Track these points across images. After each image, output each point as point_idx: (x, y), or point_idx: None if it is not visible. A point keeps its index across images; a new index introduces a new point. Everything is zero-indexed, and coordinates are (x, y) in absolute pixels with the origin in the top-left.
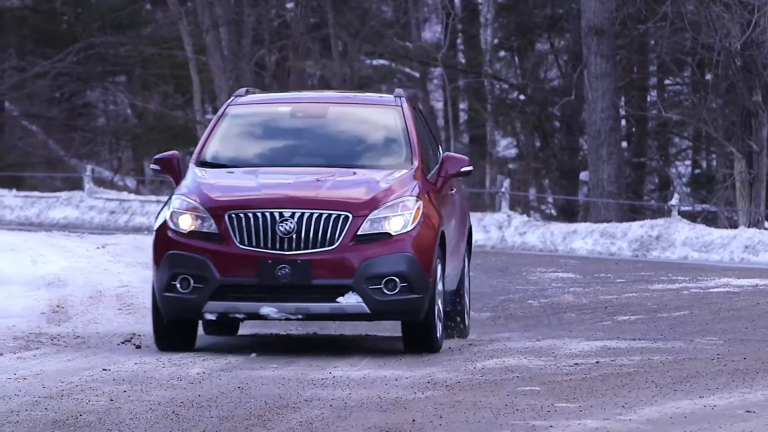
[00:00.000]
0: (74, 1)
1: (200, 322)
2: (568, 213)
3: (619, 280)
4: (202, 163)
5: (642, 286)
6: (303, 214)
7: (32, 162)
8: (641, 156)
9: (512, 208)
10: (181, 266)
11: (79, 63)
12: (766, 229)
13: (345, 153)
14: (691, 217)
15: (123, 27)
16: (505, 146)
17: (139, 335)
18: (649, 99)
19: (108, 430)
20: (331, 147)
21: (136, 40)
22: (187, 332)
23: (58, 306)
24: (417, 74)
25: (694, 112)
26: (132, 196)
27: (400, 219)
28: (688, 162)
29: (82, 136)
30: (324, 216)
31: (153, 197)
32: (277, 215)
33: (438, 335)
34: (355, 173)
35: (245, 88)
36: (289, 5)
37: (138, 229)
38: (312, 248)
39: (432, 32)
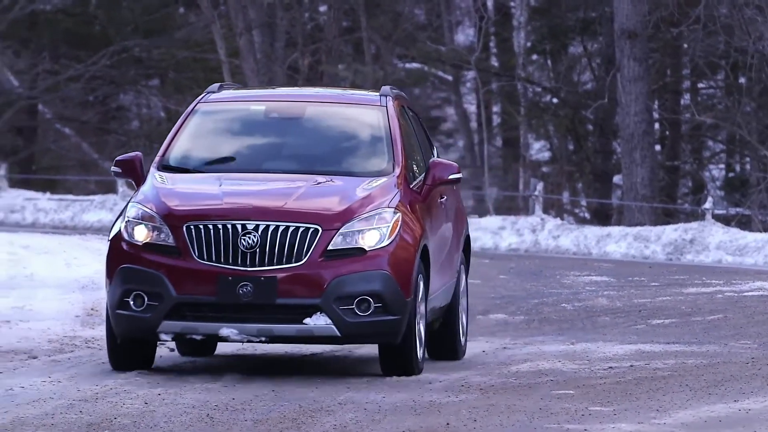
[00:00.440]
0: (108, 4)
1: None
2: (602, 216)
3: (653, 284)
4: (164, 167)
5: (676, 289)
6: (268, 226)
7: (66, 165)
8: (675, 159)
9: (546, 211)
10: (134, 281)
11: (112, 66)
12: None
13: (321, 157)
14: (725, 220)
15: (156, 30)
16: (538, 149)
17: None
18: (682, 102)
19: None
20: (306, 150)
21: (169, 43)
22: (144, 352)
23: (92, 309)
24: (450, 77)
25: (727, 116)
26: None
27: (375, 233)
28: (721, 165)
29: (115, 139)
30: (291, 229)
31: None
32: (239, 227)
33: (418, 359)
34: (330, 180)
35: (219, 84)
36: (322, 8)
37: None
38: (277, 264)
39: (465, 35)
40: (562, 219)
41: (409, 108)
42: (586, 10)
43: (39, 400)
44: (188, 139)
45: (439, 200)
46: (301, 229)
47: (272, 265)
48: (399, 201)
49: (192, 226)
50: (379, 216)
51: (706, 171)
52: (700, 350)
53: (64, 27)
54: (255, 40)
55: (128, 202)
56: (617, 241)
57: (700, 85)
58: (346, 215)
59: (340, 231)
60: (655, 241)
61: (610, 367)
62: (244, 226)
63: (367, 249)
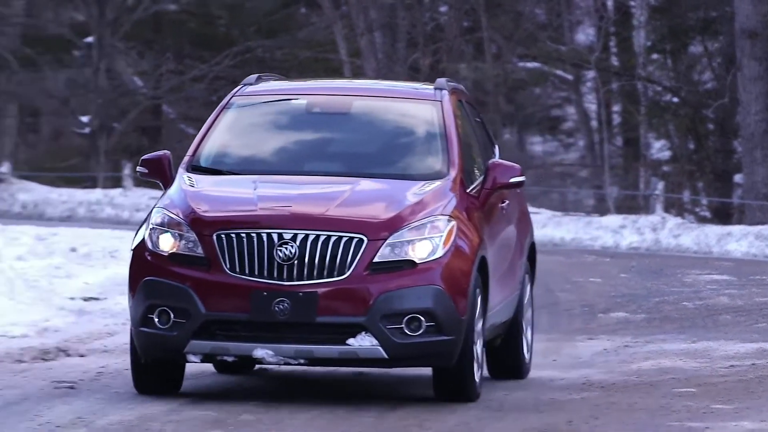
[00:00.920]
0: (230, 5)
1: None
2: (723, 215)
3: None
4: (194, 168)
5: None
6: (307, 236)
7: None
8: None
9: (666, 210)
10: (159, 296)
11: (235, 66)
12: None
13: (368, 158)
14: None
15: (278, 31)
16: (658, 148)
17: None
18: None
19: (267, 429)
20: (352, 150)
21: (291, 43)
22: (171, 373)
23: None
24: (570, 77)
25: None
26: None
27: (427, 243)
28: None
29: None
30: (333, 239)
31: None
32: (275, 237)
33: (475, 382)
34: (377, 184)
35: (257, 74)
36: (443, 9)
37: None
38: (317, 278)
39: (585, 35)
40: (683, 218)
41: (468, 102)
42: (707, 9)
43: (167, 396)
44: (221, 136)
45: (499, 205)
46: (344, 239)
47: (312, 279)
48: (454, 207)
49: (223, 235)
50: (432, 224)
51: None
52: None
53: (188, 28)
54: (376, 41)
55: (153, 207)
56: (738, 240)
57: None
58: (395, 223)
59: (387, 241)
60: None
61: (732, 366)
62: (280, 236)
63: (418, 261)
